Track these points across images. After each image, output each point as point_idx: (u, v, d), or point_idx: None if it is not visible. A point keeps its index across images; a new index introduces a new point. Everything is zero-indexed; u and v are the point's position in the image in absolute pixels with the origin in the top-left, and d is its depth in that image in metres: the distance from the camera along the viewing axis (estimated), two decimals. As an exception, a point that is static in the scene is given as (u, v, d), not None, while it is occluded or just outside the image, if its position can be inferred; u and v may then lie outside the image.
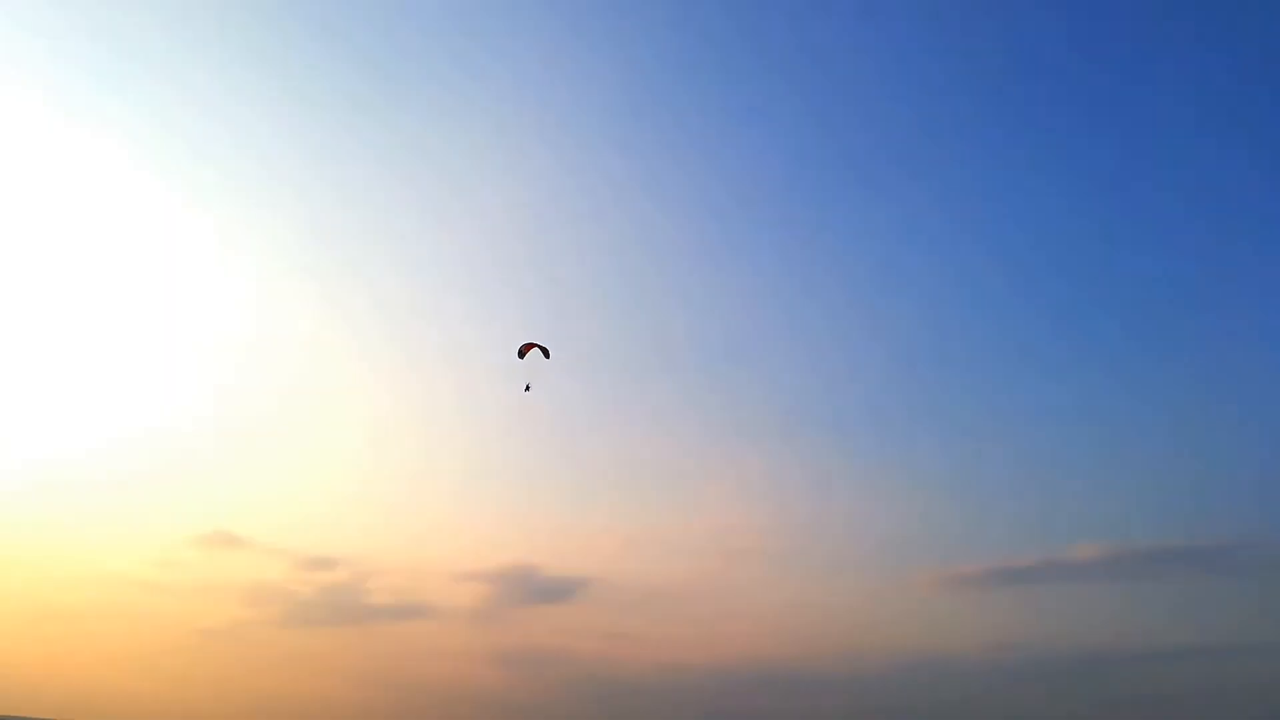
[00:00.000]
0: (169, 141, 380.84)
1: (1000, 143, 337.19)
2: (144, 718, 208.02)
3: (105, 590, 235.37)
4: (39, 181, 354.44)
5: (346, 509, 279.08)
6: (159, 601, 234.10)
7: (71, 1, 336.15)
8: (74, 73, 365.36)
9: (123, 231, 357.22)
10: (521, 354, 59.35)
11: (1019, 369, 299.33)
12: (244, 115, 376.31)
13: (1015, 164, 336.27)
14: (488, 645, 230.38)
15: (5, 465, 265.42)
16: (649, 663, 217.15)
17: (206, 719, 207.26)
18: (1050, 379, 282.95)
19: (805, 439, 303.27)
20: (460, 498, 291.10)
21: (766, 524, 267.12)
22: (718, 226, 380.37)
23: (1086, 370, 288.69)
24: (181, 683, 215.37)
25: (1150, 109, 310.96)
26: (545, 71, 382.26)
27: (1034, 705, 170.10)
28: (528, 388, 59.67)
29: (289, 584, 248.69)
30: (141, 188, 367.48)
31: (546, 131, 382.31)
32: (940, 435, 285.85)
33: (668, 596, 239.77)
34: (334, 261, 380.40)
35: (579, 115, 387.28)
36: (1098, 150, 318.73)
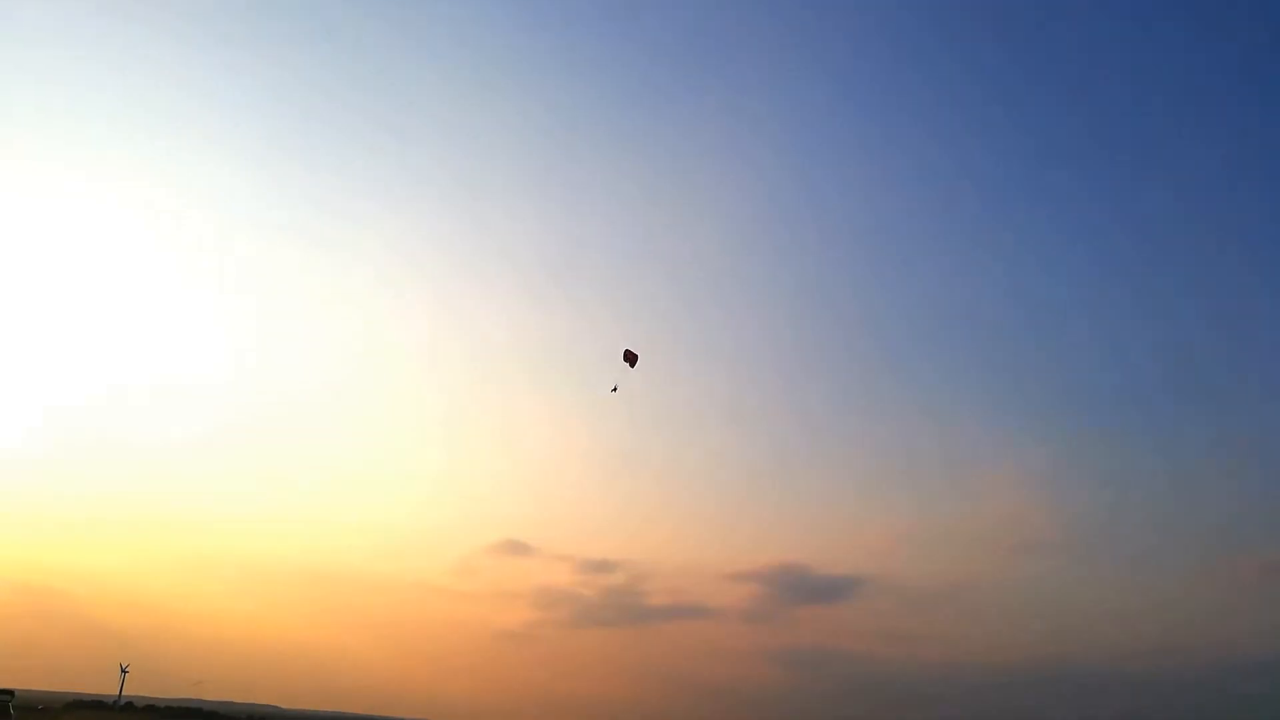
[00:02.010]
0: (394, 170, 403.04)
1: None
2: (449, 713, 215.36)
3: (413, 597, 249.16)
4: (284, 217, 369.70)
5: (621, 514, 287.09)
6: (459, 606, 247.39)
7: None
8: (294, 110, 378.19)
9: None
10: (626, 357, 61.45)
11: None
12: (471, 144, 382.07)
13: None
14: (762, 644, 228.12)
15: (336, 518, 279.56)
16: (929, 663, 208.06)
17: (505, 714, 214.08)
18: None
19: (1097, 422, 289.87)
20: (730, 499, 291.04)
21: (1055, 515, 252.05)
22: (998, 210, 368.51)
23: None
24: (481, 680, 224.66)
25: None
26: (770, 81, 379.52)
27: None
28: (615, 389, 62.22)
29: (574, 587, 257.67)
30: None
31: (782, 134, 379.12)
32: (1260, 406, 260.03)
33: (947, 594, 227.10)
34: (581, 266, 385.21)
35: (810, 116, 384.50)
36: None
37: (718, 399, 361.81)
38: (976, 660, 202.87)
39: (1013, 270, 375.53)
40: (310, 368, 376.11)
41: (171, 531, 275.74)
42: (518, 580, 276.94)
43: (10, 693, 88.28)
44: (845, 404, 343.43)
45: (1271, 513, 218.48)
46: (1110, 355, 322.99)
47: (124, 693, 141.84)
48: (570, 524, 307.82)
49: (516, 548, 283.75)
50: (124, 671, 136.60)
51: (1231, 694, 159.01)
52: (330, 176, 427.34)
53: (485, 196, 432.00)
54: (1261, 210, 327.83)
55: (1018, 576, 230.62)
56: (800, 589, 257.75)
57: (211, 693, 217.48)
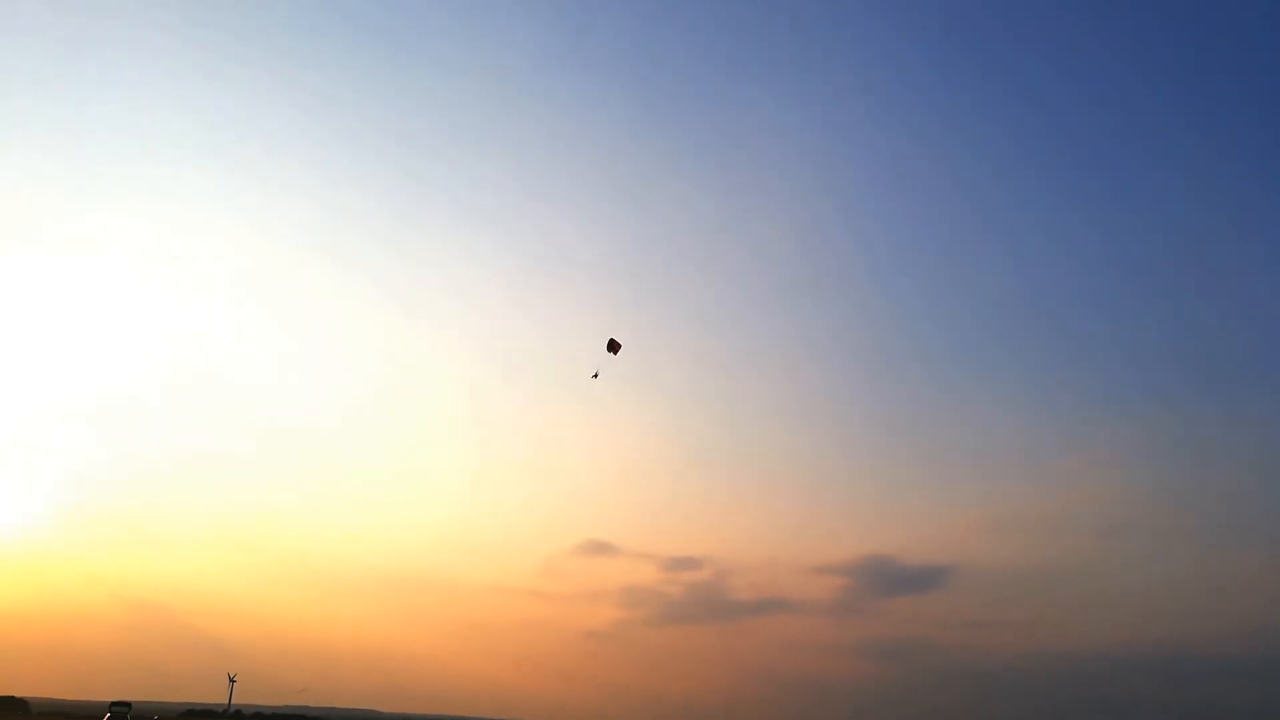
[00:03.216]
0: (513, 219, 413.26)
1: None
2: (540, 713, 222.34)
3: (501, 600, 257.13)
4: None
5: (702, 511, 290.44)
6: (546, 607, 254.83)
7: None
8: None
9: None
10: (610, 346, 65.95)
11: None
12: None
13: None
14: (850, 636, 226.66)
15: (424, 527, 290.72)
16: (1020, 651, 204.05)
17: (596, 713, 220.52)
18: None
19: (1173, 402, 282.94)
20: (809, 492, 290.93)
21: (1143, 497, 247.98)
22: (1067, 199, 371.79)
23: None
24: (571, 680, 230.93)
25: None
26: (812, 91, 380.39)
27: None
28: (595, 375, 66.47)
29: (659, 585, 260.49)
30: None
31: (847, 135, 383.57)
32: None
33: (1036, 580, 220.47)
34: (661, 275, 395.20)
35: (873, 116, 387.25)
36: None
37: (792, 393, 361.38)
38: (1067, 647, 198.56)
39: (1082, 254, 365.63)
40: (396, 379, 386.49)
41: (269, 545, 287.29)
42: (603, 580, 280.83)
43: (128, 704, 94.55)
44: (921, 395, 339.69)
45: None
46: (1184, 333, 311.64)
47: (233, 701, 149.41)
48: (652, 522, 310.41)
49: (600, 547, 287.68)
50: (232, 681, 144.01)
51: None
52: (409, 196, 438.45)
53: (564, 207, 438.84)
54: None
55: (1105, 559, 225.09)
56: (888, 580, 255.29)
57: (315, 699, 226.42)
